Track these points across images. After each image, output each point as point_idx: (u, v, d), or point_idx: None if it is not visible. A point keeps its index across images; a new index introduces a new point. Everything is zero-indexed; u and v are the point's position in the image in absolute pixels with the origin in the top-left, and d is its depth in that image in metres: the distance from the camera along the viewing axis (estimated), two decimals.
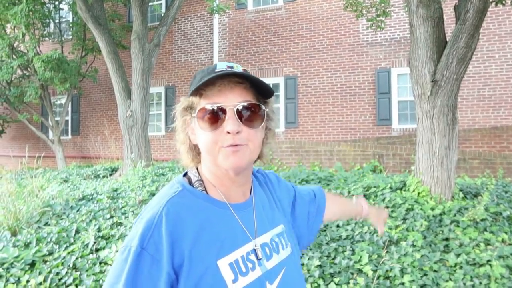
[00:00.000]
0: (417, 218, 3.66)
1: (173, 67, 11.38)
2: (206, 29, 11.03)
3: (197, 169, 0.91)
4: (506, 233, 3.38)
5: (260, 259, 0.85)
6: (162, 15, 9.25)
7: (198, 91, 0.83)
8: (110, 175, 8.23)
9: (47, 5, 10.98)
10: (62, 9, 12.25)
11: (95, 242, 3.46)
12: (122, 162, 8.53)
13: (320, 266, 3.00)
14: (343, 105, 9.45)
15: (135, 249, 0.75)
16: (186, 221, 0.80)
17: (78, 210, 4.53)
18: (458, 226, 3.51)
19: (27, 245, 3.48)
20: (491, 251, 3.06)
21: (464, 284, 2.75)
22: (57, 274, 3.03)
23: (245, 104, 0.82)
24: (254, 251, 0.86)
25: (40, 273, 3.01)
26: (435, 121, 4.14)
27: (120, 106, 8.07)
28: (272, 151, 6.07)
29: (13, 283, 2.89)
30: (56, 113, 12.50)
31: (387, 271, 2.93)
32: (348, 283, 2.83)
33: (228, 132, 0.79)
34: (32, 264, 3.16)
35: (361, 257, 3.10)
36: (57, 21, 11.77)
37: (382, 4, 6.73)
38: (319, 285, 2.83)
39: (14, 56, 10.51)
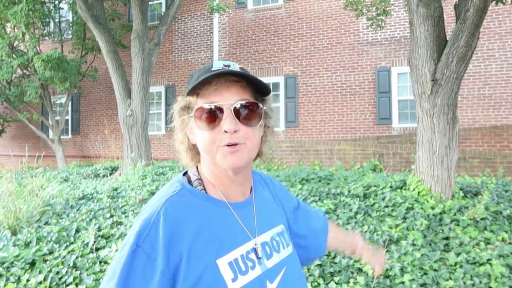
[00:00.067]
0: (417, 217, 3.66)
1: (173, 66, 11.38)
2: (206, 28, 11.02)
3: (197, 168, 0.91)
4: (506, 232, 3.37)
5: (260, 258, 0.85)
6: (162, 14, 9.25)
7: (195, 91, 0.83)
8: (110, 174, 8.23)
9: (47, 4, 10.97)
10: (62, 8, 12.24)
11: (95, 241, 3.46)
12: (122, 161, 8.53)
13: (320, 265, 3.00)
14: (343, 104, 9.45)
15: (130, 246, 0.75)
16: (185, 220, 0.79)
17: (78, 209, 4.54)
18: (458, 225, 3.51)
19: (27, 244, 3.48)
20: (491, 250, 3.06)
21: (464, 283, 2.75)
22: (57, 273, 3.03)
23: (242, 102, 0.81)
24: (254, 250, 0.85)
25: (40, 272, 3.01)
26: (435, 120, 4.14)
27: (120, 105, 8.07)
28: (272, 150, 6.07)
29: (13, 282, 2.90)
30: (56, 112, 12.50)
31: (387, 270, 2.93)
32: (348, 282, 2.83)
33: (226, 131, 0.79)
34: (32, 263, 3.16)
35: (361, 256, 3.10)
36: (57, 20, 11.76)
37: (382, 3, 6.72)
38: (319, 284, 2.83)
39: (14, 56, 10.51)
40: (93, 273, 3.02)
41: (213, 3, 8.84)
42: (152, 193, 4.79)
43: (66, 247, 3.44)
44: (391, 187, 4.41)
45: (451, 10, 5.25)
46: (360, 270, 2.98)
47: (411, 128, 8.68)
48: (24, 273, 3.01)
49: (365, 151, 8.03)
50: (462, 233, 3.36)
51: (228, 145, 0.80)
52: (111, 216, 4.14)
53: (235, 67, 0.82)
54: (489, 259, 2.95)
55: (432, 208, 3.85)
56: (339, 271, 2.96)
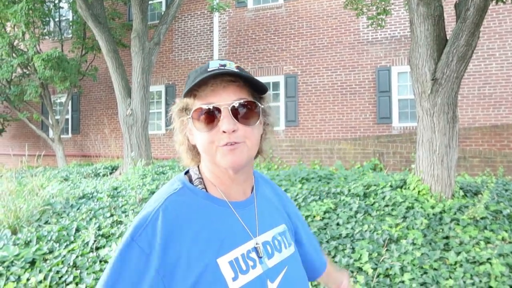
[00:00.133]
0: (417, 216, 3.66)
1: (173, 66, 11.38)
2: (206, 28, 11.02)
3: (198, 167, 0.91)
4: (506, 231, 3.37)
5: (261, 257, 0.85)
6: (162, 13, 9.24)
7: (192, 92, 0.83)
8: (110, 173, 8.23)
9: (47, 4, 10.97)
10: (62, 8, 12.23)
11: (95, 241, 3.46)
12: (122, 160, 8.53)
13: None
14: (344, 103, 9.45)
15: (125, 239, 0.76)
16: (185, 219, 0.79)
17: (78, 209, 4.54)
18: (458, 224, 3.51)
19: (27, 244, 3.48)
20: (491, 249, 3.06)
21: (464, 282, 2.75)
22: (57, 272, 3.03)
23: (239, 102, 0.81)
24: (255, 249, 0.85)
25: (40, 272, 3.01)
26: (435, 119, 4.14)
27: (120, 105, 8.06)
28: (272, 149, 6.07)
29: (13, 281, 2.90)
30: (56, 111, 12.49)
31: (387, 269, 2.93)
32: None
33: (224, 132, 0.79)
34: (33, 263, 3.16)
35: (361, 255, 3.10)
36: (57, 19, 11.76)
37: (383, 2, 6.72)
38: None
39: (14, 55, 10.50)
40: (93, 272, 3.02)
41: (213, 2, 8.83)
42: (152, 192, 4.79)
43: (66, 246, 3.44)
44: (391, 186, 4.41)
45: (451, 9, 5.25)
46: (360, 269, 2.98)
47: (411, 127, 8.68)
48: (24, 272, 3.01)
49: (365, 150, 8.03)
50: (462, 232, 3.36)
51: (226, 145, 0.80)
52: (111, 215, 4.14)
53: (231, 66, 0.82)
54: (489, 258, 2.95)
55: (432, 207, 3.85)
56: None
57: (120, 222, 3.93)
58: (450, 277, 2.82)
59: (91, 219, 4.06)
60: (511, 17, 8.25)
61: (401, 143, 8.15)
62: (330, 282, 1.17)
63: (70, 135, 12.81)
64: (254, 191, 0.94)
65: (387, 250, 3.19)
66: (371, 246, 3.22)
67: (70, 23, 11.54)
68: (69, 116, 12.65)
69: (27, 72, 11.07)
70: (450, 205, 3.84)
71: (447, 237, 3.37)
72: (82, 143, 12.58)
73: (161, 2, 11.47)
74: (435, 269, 2.93)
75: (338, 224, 3.71)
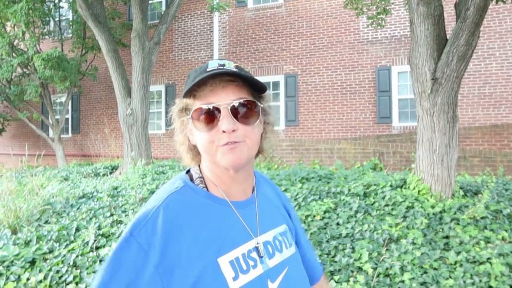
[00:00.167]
0: (417, 216, 3.66)
1: (173, 65, 11.38)
2: (206, 27, 11.01)
3: (199, 166, 0.91)
4: (506, 231, 3.37)
5: (262, 257, 0.85)
6: (162, 13, 9.24)
7: (191, 92, 0.83)
8: (110, 173, 8.23)
9: (47, 3, 10.96)
10: (62, 7, 12.23)
11: (95, 240, 3.46)
12: (122, 160, 8.53)
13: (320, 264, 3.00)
14: (344, 103, 9.45)
15: (124, 235, 0.76)
16: (186, 218, 0.79)
17: (78, 208, 4.54)
18: (458, 224, 3.51)
19: (27, 243, 3.48)
20: (491, 249, 3.06)
21: (464, 282, 2.75)
22: (57, 272, 3.03)
23: (239, 101, 0.81)
24: (256, 248, 0.85)
25: (40, 271, 3.01)
26: (435, 119, 4.14)
27: (120, 104, 8.06)
28: (272, 148, 6.07)
29: (13, 281, 2.90)
30: (56, 111, 12.49)
31: (387, 269, 2.93)
32: (348, 281, 2.83)
33: (224, 131, 0.79)
34: (33, 262, 3.16)
35: (361, 255, 3.10)
36: (57, 19, 11.76)
37: (383, 2, 6.72)
38: None
39: (14, 54, 10.50)
40: (93, 272, 3.02)
41: (213, 2, 8.83)
42: (152, 192, 4.79)
43: (66, 246, 3.44)
44: (391, 186, 4.41)
45: (451, 9, 5.25)
46: (360, 268, 2.98)
47: (411, 127, 8.68)
48: (24, 272, 3.02)
49: (365, 150, 8.03)
50: (462, 232, 3.36)
51: (226, 144, 0.80)
52: (111, 215, 4.14)
53: (230, 66, 0.82)
54: (489, 258, 2.95)
55: (432, 207, 3.85)
56: (339, 269, 2.97)
57: (120, 222, 3.93)
58: (450, 277, 2.82)
59: (91, 218, 4.06)
60: (511, 17, 8.25)
61: (401, 142, 8.15)
62: None
63: (70, 134, 12.81)
64: (255, 191, 0.94)
65: (387, 249, 3.19)
66: (371, 245, 3.22)
67: (70, 23, 11.54)
68: (69, 116, 12.65)
69: (27, 72, 11.07)
70: (450, 204, 3.84)
71: (447, 237, 3.37)
72: (82, 143, 12.59)
73: (161, 2, 11.47)
74: (435, 269, 2.93)
75: (338, 223, 3.71)
